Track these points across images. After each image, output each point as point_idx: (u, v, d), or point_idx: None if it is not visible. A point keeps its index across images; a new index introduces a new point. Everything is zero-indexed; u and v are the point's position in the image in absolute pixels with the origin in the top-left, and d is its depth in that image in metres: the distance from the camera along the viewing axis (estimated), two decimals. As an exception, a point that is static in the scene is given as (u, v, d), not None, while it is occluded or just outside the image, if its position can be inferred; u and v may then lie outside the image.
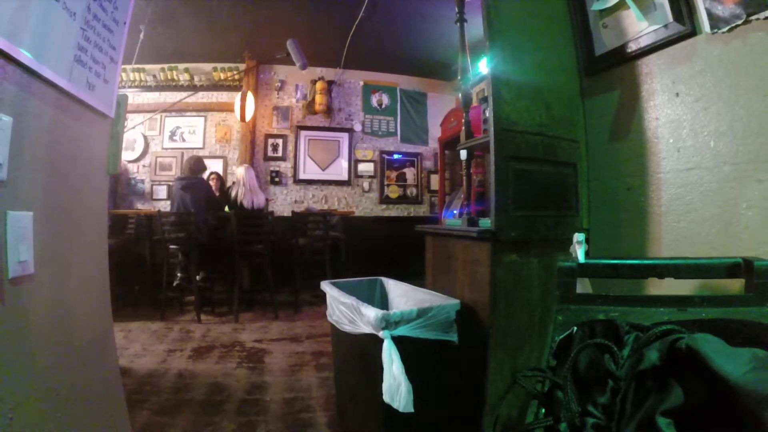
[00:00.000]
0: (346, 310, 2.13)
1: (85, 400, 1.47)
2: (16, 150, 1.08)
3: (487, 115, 2.19)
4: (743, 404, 0.72)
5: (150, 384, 3.36)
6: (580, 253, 1.49)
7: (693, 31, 1.87)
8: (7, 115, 1.05)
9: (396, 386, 1.74)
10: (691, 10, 1.86)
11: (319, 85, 7.78)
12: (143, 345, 4.39)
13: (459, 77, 2.61)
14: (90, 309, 1.57)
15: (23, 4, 1.07)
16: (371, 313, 1.91)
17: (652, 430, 0.82)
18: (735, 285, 1.31)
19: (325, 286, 2.49)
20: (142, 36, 5.59)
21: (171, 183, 7.50)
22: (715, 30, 1.76)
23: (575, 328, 1.20)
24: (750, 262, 1.24)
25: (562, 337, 1.22)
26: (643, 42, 2.08)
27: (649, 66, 2.09)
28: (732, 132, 1.73)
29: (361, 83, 8.48)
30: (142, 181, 7.70)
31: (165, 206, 7.09)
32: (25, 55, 1.09)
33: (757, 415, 0.70)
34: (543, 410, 1.13)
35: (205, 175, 6.58)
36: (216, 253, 6.02)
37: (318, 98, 7.84)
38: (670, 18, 1.93)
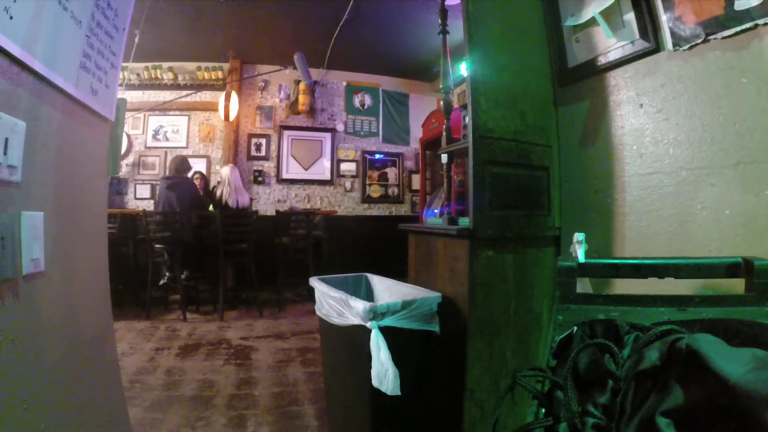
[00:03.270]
0: (335, 303, 2.22)
1: (89, 393, 1.53)
2: (29, 153, 1.14)
3: (467, 121, 2.29)
4: (743, 404, 0.71)
5: (140, 381, 3.40)
6: (580, 252, 1.48)
7: (657, 48, 1.99)
8: (22, 121, 1.11)
9: (384, 372, 1.85)
10: (656, 29, 1.98)
11: (302, 86, 7.82)
12: (130, 343, 4.42)
13: (441, 86, 2.71)
14: (93, 305, 1.63)
15: (37, 14, 1.14)
16: (360, 305, 2.00)
17: (652, 430, 0.81)
18: (734, 284, 1.31)
19: (314, 281, 2.57)
20: (137, 39, 5.61)
21: (155, 182, 7.50)
22: (677, 47, 1.89)
23: (575, 327, 1.17)
24: (750, 262, 1.25)
25: (562, 336, 1.19)
26: (612, 56, 2.20)
27: (616, 78, 2.22)
28: (689, 141, 1.86)
29: (344, 84, 8.55)
30: (126, 180, 7.68)
31: (148, 205, 7.10)
32: (38, 64, 1.15)
33: (758, 415, 0.69)
34: (542, 410, 1.13)
35: (190, 175, 6.60)
36: (201, 252, 6.06)
37: (301, 98, 7.88)
38: (637, 35, 2.06)
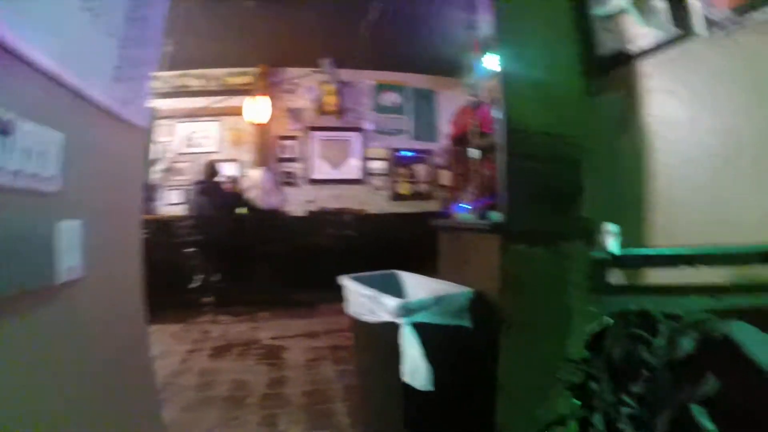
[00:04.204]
0: (366, 301, 2.24)
1: (126, 396, 1.57)
2: (67, 163, 1.18)
3: (498, 116, 2.28)
4: None
5: (173, 383, 3.48)
6: (612, 244, 1.49)
7: (689, 34, 1.92)
8: (59, 132, 1.15)
9: (416, 368, 1.86)
10: (688, 15, 1.92)
11: (330, 86, 7.84)
12: (164, 346, 4.52)
13: (471, 81, 2.70)
14: (129, 310, 1.68)
15: (72, 29, 1.18)
16: (391, 302, 2.02)
17: (686, 418, 0.82)
18: None
19: (344, 280, 2.59)
20: (168, 49, 5.70)
21: (186, 187, 7.62)
22: (710, 33, 1.83)
23: (609, 319, 1.19)
24: None
25: (595, 329, 1.21)
26: (643, 44, 2.15)
27: (648, 67, 2.17)
28: (724, 129, 1.81)
29: (371, 83, 8.56)
30: (157, 186, 7.81)
31: (180, 211, 7.21)
32: (74, 77, 1.20)
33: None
34: (578, 402, 1.14)
35: (221, 179, 6.70)
36: (233, 255, 6.13)
37: (329, 99, 7.91)
38: (669, 22, 2.00)
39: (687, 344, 0.92)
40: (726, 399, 0.79)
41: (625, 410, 0.98)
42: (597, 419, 1.03)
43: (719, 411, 0.79)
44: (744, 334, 0.82)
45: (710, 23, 1.83)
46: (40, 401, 1.04)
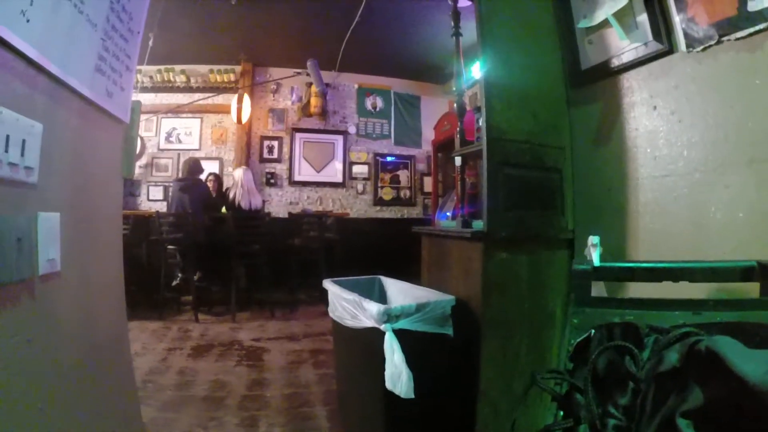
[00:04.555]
0: (348, 306, 2.23)
1: (104, 393, 1.54)
2: (46, 155, 1.16)
3: (480, 123, 2.29)
4: (763, 404, 0.72)
5: (152, 381, 3.43)
6: (595, 256, 1.48)
7: (670, 50, 1.97)
8: (38, 122, 1.12)
9: (398, 374, 1.84)
10: (669, 30, 1.96)
11: (314, 88, 7.83)
12: (143, 344, 4.46)
13: (453, 88, 2.71)
14: (108, 305, 1.65)
15: (53, 17, 1.15)
16: (373, 307, 2.01)
17: (672, 430, 0.83)
18: (749, 288, 1.32)
19: (328, 284, 2.57)
20: (151, 43, 5.66)
21: (167, 184, 7.56)
22: (690, 49, 1.87)
23: (593, 330, 1.18)
24: (765, 265, 1.26)
25: (579, 339, 1.21)
26: (625, 58, 2.19)
27: (629, 80, 2.21)
28: (702, 142, 1.85)
29: (356, 86, 8.56)
30: (138, 182, 7.74)
31: (161, 207, 7.15)
32: (54, 66, 1.17)
33: (777, 414, 0.69)
34: (561, 413, 1.14)
35: (204, 176, 6.65)
36: (213, 254, 6.07)
37: (313, 101, 7.90)
38: (650, 37, 2.04)
39: (672, 357, 0.93)
40: (711, 411, 0.80)
41: (611, 422, 0.98)
42: (582, 430, 1.03)
43: (704, 423, 0.81)
44: (729, 347, 0.83)
45: (691, 38, 1.87)
46: (15, 396, 1.01)
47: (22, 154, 1.04)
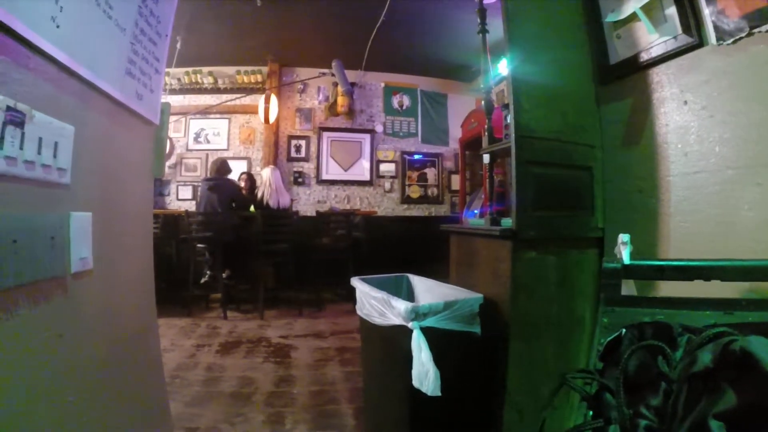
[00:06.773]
0: (376, 303, 2.23)
1: (133, 387, 1.58)
2: (78, 156, 1.19)
3: (508, 121, 2.27)
4: None
5: (180, 377, 3.49)
6: (625, 254, 1.47)
7: (700, 43, 1.92)
8: (70, 125, 1.15)
9: (424, 372, 1.84)
10: (699, 23, 1.91)
11: (340, 88, 7.86)
12: (171, 340, 4.54)
13: (480, 85, 2.69)
14: (138, 302, 1.69)
15: (82, 23, 1.18)
16: (401, 305, 2.00)
17: None
18: None
19: (356, 282, 2.58)
20: (179, 45, 5.75)
21: (196, 183, 7.68)
22: (721, 42, 1.81)
23: (623, 330, 1.17)
24: None
25: (609, 339, 1.19)
26: (654, 52, 2.13)
27: (659, 75, 2.15)
28: (734, 138, 1.79)
29: (382, 85, 8.57)
30: (168, 182, 7.88)
31: (190, 206, 7.26)
32: (84, 70, 1.20)
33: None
34: (591, 413, 1.12)
35: (235, 176, 6.73)
36: (242, 252, 6.14)
37: (340, 100, 7.94)
38: (679, 30, 1.98)
39: (705, 357, 0.90)
40: (744, 414, 0.78)
41: (642, 422, 0.96)
42: (612, 430, 1.01)
43: (737, 426, 0.78)
44: (764, 348, 0.81)
45: (721, 31, 1.81)
46: (46, 389, 1.05)
47: (55, 156, 1.07)
